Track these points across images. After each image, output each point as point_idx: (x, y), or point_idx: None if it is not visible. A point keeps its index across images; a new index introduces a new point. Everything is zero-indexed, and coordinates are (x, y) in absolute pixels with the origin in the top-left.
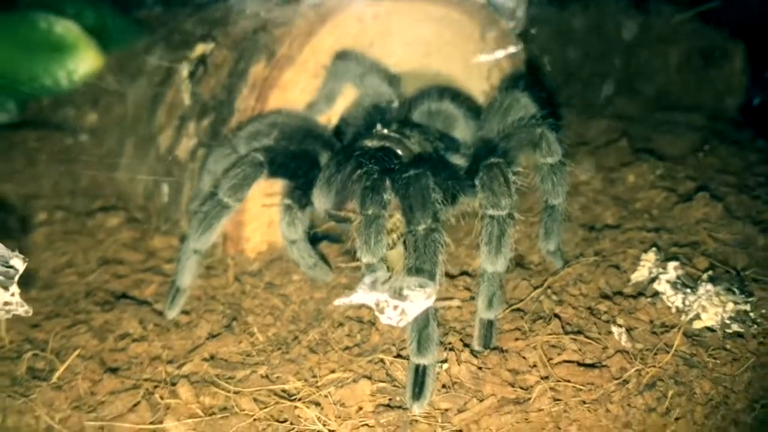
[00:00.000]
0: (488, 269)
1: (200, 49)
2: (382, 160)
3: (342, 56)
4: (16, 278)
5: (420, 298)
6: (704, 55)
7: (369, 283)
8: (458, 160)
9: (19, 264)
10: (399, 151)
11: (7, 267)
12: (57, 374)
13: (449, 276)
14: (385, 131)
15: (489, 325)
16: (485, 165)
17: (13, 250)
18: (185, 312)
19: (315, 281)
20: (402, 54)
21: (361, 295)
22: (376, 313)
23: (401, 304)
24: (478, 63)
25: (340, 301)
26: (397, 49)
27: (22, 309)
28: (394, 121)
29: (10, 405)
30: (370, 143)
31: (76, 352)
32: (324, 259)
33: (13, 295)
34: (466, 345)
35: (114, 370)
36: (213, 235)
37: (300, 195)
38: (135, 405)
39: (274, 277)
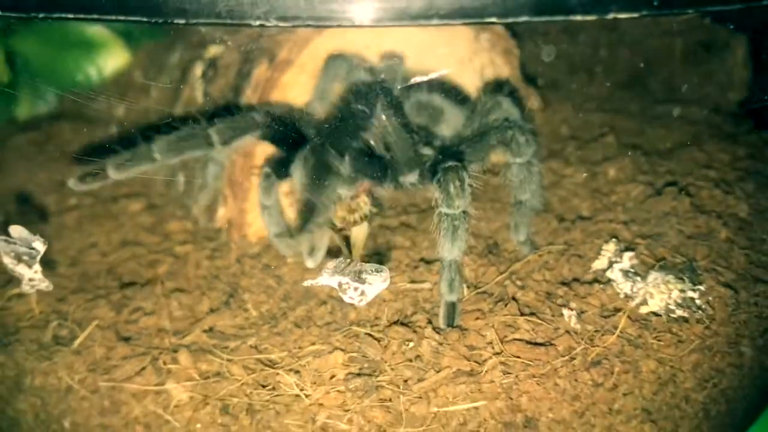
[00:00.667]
0: (446, 257)
1: (212, 50)
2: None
3: (332, 57)
4: (38, 258)
5: (377, 281)
6: (706, 47)
7: (332, 267)
8: (427, 152)
9: (39, 246)
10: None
11: (30, 249)
12: (77, 341)
13: (425, 261)
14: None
15: (452, 307)
16: (444, 168)
17: (35, 233)
18: (188, 289)
19: (281, 252)
20: (397, 53)
21: (326, 278)
22: (339, 293)
23: (361, 286)
24: (471, 62)
25: (308, 282)
26: (393, 50)
27: (44, 284)
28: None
29: (37, 367)
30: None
31: (95, 323)
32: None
33: (36, 272)
34: (430, 322)
35: (126, 339)
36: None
37: (280, 166)
38: (142, 369)
39: (271, 259)
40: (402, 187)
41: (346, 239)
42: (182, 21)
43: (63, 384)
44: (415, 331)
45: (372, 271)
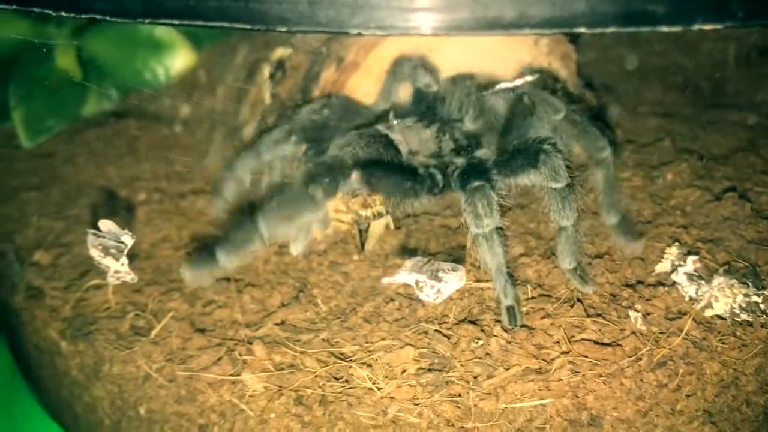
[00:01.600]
0: (491, 267)
1: (279, 52)
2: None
3: (398, 58)
4: (125, 251)
5: (453, 279)
6: (761, 52)
7: (410, 265)
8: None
9: (128, 240)
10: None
11: (119, 242)
12: (154, 332)
13: None
14: (395, 122)
15: (511, 309)
16: (470, 188)
17: (123, 227)
18: (260, 284)
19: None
20: (459, 59)
21: (404, 276)
22: (416, 291)
23: (437, 285)
24: (531, 65)
25: (386, 280)
26: (455, 55)
27: (129, 276)
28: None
29: (116, 355)
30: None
31: (170, 314)
32: None
33: (122, 264)
34: (498, 321)
35: (201, 331)
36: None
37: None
38: (218, 359)
39: (337, 256)
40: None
41: (360, 233)
42: (284, 29)
43: (141, 372)
44: (483, 330)
45: (448, 269)
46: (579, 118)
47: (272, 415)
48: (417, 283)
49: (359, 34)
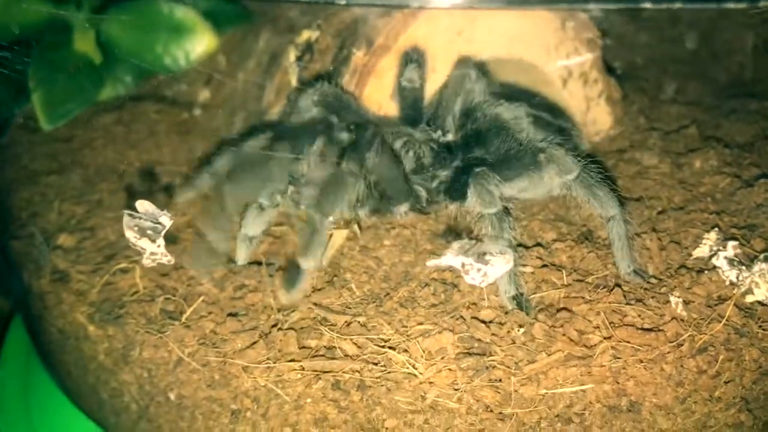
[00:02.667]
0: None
1: (306, 35)
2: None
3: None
4: (163, 233)
5: (500, 263)
6: None
7: (457, 247)
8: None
9: (166, 221)
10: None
11: (156, 223)
12: (185, 316)
13: (523, 246)
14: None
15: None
16: (474, 174)
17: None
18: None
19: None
20: (488, 42)
21: (450, 258)
22: (462, 274)
23: (484, 268)
24: (557, 50)
25: (431, 263)
26: (484, 37)
27: (166, 259)
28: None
29: (147, 339)
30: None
31: (201, 298)
32: None
33: (159, 246)
34: (536, 306)
35: (234, 315)
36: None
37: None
38: (253, 344)
39: (368, 241)
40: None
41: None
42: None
43: (173, 357)
44: (520, 314)
45: (496, 252)
46: (591, 178)
47: (308, 400)
48: (463, 266)
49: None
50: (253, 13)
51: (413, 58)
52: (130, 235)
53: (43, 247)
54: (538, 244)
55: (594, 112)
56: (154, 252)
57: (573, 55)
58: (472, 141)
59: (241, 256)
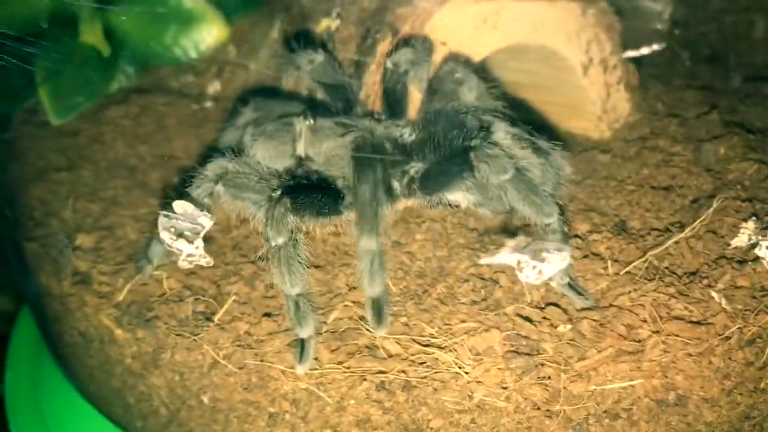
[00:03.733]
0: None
1: (325, 23)
2: None
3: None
4: (202, 234)
5: (556, 260)
6: None
7: (513, 245)
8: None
9: (206, 222)
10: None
11: (195, 224)
12: (218, 316)
13: None
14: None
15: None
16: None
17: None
18: (322, 266)
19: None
20: (511, 28)
21: (505, 256)
22: (516, 272)
23: (539, 265)
24: (578, 37)
25: (485, 261)
26: (508, 24)
27: (204, 260)
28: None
29: (179, 342)
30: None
31: (232, 298)
32: None
33: (197, 248)
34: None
35: (268, 315)
36: None
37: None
38: (291, 345)
39: (400, 236)
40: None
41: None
42: None
43: (207, 359)
44: (565, 311)
45: (553, 249)
46: (527, 180)
47: (351, 402)
48: (518, 263)
49: None
50: (263, 1)
51: (410, 42)
52: (166, 236)
53: (66, 249)
54: (576, 236)
55: (613, 99)
56: (192, 254)
57: (593, 42)
58: (430, 144)
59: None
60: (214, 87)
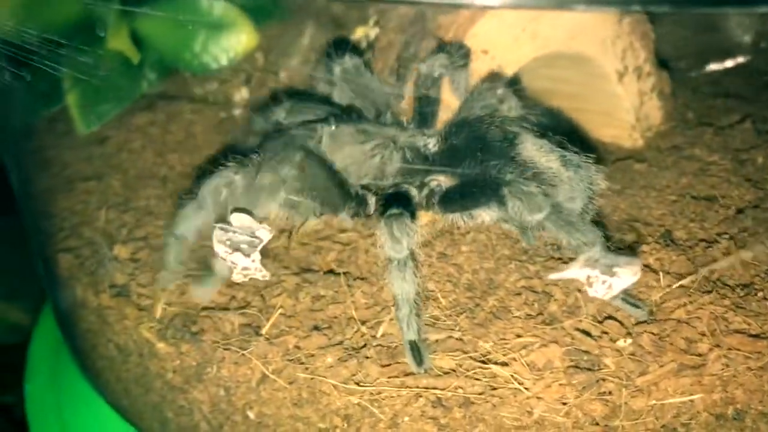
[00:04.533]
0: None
1: (361, 31)
2: None
3: None
4: (259, 247)
5: (627, 274)
6: None
7: (584, 259)
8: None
9: (264, 234)
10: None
11: (253, 237)
12: (264, 330)
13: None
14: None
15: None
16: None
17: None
18: (367, 278)
19: None
20: (549, 37)
21: (575, 271)
22: (585, 287)
23: (609, 280)
24: (614, 45)
25: (554, 276)
26: (546, 32)
27: (260, 274)
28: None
29: (226, 357)
30: None
31: (278, 311)
32: None
33: (253, 261)
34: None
35: (317, 328)
36: None
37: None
38: (343, 360)
39: (445, 247)
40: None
41: None
42: None
43: (256, 374)
44: (623, 324)
45: (624, 263)
46: (564, 216)
47: (405, 419)
48: (588, 278)
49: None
50: (289, 7)
51: (445, 48)
52: (221, 249)
53: (105, 261)
54: (628, 247)
55: (647, 107)
56: (247, 267)
57: (628, 50)
58: (454, 158)
59: None
60: (241, 94)
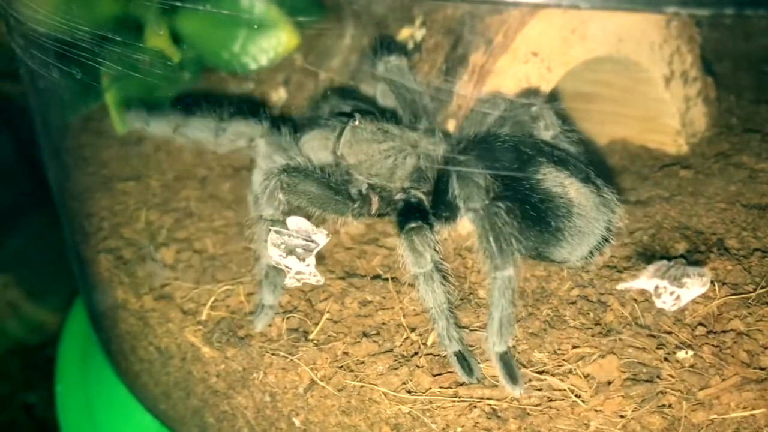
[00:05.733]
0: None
1: (407, 32)
2: None
3: None
4: (315, 251)
5: (696, 285)
6: None
7: (653, 269)
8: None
9: (321, 239)
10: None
11: (309, 241)
12: (312, 335)
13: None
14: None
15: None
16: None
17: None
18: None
19: None
20: (599, 39)
21: (643, 281)
22: (654, 297)
23: (678, 290)
24: (662, 49)
25: (622, 286)
26: (596, 35)
27: (315, 279)
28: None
29: (274, 362)
30: None
31: (325, 316)
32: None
33: (308, 265)
34: (703, 325)
35: (366, 335)
36: None
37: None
38: (394, 368)
39: None
40: None
41: None
42: None
43: (304, 380)
44: (681, 335)
45: (693, 274)
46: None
47: (458, 430)
48: (656, 288)
49: None
50: (327, 7)
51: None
52: (275, 252)
53: (150, 262)
54: (681, 256)
55: (692, 113)
56: (301, 271)
57: (675, 54)
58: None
59: None
60: (279, 95)
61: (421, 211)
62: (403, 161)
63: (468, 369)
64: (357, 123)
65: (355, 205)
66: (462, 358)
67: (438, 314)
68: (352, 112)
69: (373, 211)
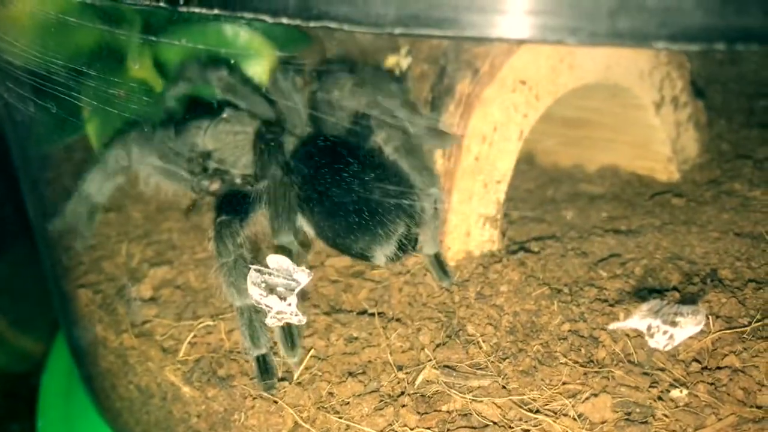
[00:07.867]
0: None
1: (392, 60)
2: None
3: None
4: (297, 290)
5: (690, 324)
6: None
7: (646, 309)
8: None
9: (302, 277)
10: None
11: (290, 280)
12: (296, 374)
13: (659, 291)
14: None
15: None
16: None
17: (299, 265)
18: (401, 319)
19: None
20: (588, 67)
21: (635, 321)
22: (646, 337)
23: (671, 330)
24: (651, 76)
25: (614, 326)
26: (584, 63)
27: (296, 318)
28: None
29: (255, 403)
30: None
31: (310, 353)
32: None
33: (289, 305)
34: (697, 361)
35: (351, 374)
36: None
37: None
38: (379, 408)
39: (483, 287)
40: None
41: None
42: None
43: (288, 423)
44: (675, 372)
45: (687, 313)
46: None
47: None
48: (649, 328)
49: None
50: (312, 37)
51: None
52: (256, 292)
53: (129, 300)
54: (674, 288)
55: (683, 139)
56: (282, 311)
57: (665, 80)
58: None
59: None
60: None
61: (245, 201)
62: (244, 146)
63: (267, 375)
64: (225, 116)
65: (196, 180)
66: (264, 362)
67: (242, 312)
68: (224, 106)
69: (212, 189)
